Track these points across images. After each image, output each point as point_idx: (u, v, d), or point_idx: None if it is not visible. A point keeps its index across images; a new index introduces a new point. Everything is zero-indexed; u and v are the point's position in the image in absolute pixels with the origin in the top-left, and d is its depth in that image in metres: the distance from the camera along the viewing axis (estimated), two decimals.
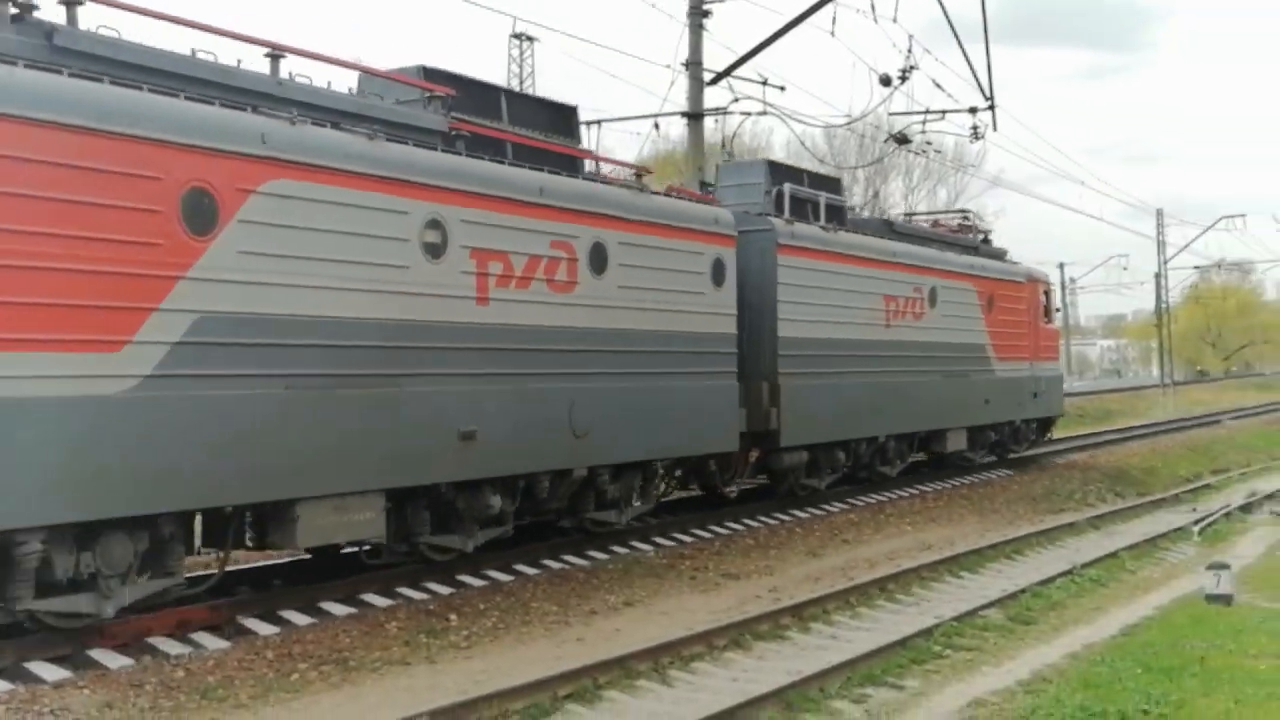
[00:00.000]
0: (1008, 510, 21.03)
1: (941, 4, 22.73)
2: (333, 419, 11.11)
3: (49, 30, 9.74)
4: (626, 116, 21.35)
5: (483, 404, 12.67)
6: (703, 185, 19.83)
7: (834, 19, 23.16)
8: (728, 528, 17.17)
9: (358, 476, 11.38)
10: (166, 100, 10.02)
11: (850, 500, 20.18)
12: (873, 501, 20.44)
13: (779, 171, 19.97)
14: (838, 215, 20.37)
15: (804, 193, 19.66)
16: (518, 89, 38.53)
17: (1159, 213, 67.09)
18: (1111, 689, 9.52)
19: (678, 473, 17.21)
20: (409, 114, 12.68)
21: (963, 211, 27.99)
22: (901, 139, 27.53)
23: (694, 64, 23.65)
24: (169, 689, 9.22)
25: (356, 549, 12.81)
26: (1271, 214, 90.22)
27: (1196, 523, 19.81)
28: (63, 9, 10.02)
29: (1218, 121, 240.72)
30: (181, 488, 9.94)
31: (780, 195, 18.98)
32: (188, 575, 11.00)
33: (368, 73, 13.15)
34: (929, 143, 28.04)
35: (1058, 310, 31.43)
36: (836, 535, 17.38)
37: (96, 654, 9.82)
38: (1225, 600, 13.00)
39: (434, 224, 12.18)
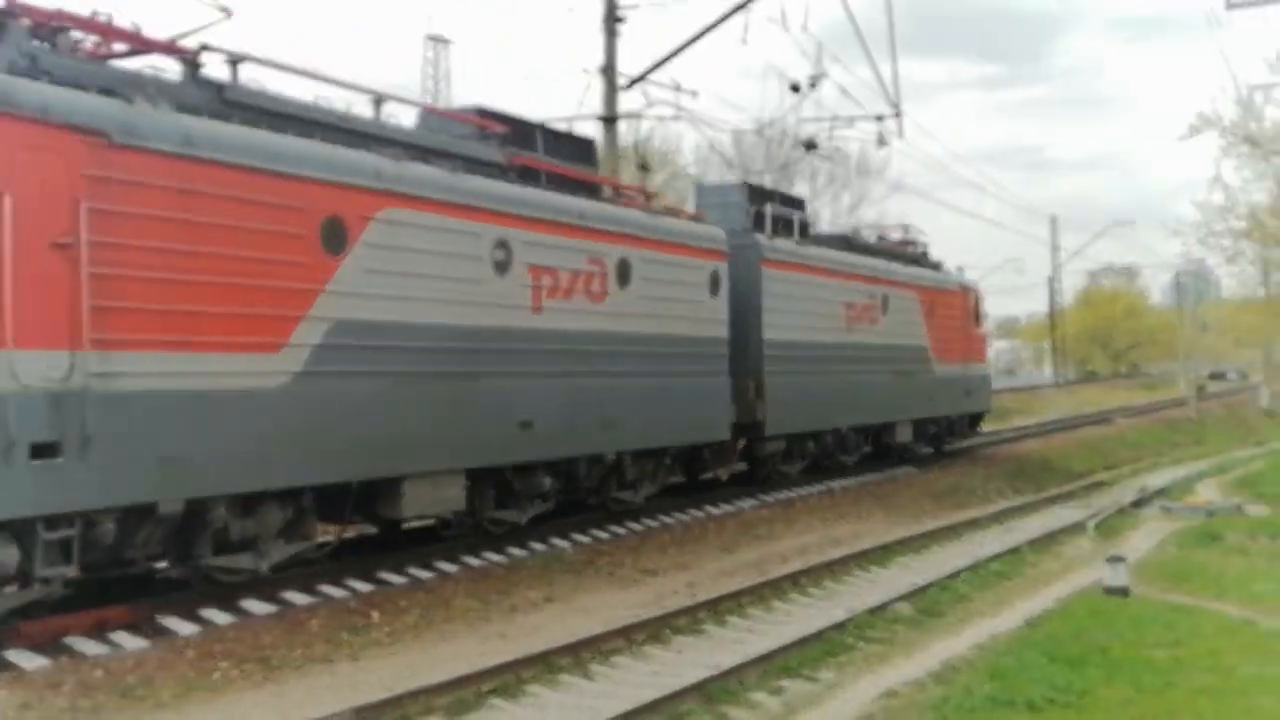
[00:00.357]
0: (913, 506, 21.51)
1: (850, 14, 23.10)
2: (429, 409, 13.25)
3: (219, 86, 11.87)
4: (543, 120, 21.36)
5: (537, 398, 14.83)
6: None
7: (746, 27, 23.59)
8: (644, 524, 17.35)
9: (447, 458, 13.57)
10: (308, 143, 12.08)
11: (760, 497, 20.48)
12: (782, 498, 20.76)
13: (755, 192, 22.31)
14: (805, 231, 22.64)
15: (781, 211, 21.85)
16: (433, 91, 38.50)
17: (1053, 218, 68.80)
18: (1018, 679, 9.86)
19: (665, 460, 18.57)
20: (478, 149, 14.90)
21: (904, 226, 29.87)
22: (810, 145, 27.96)
23: (609, 69, 23.82)
24: (87, 689, 9.15)
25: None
26: (1159, 220, 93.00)
27: (1091, 518, 20.44)
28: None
29: (1113, 130, 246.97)
30: (322, 466, 12.02)
31: (760, 215, 21.12)
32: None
33: (430, 111, 15.76)
34: (837, 148, 28.52)
35: (985, 316, 33.82)
36: (749, 531, 17.66)
37: (12, 655, 9.71)
38: (1122, 592, 13.48)
39: (501, 244, 14.34)
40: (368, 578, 13.02)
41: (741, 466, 21.57)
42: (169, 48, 11.73)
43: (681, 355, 17.80)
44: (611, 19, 23.40)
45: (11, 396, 9.24)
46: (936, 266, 29.52)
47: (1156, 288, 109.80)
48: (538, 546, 15.32)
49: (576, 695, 9.50)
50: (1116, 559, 14.03)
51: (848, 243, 25.50)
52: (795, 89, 24.28)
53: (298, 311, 11.73)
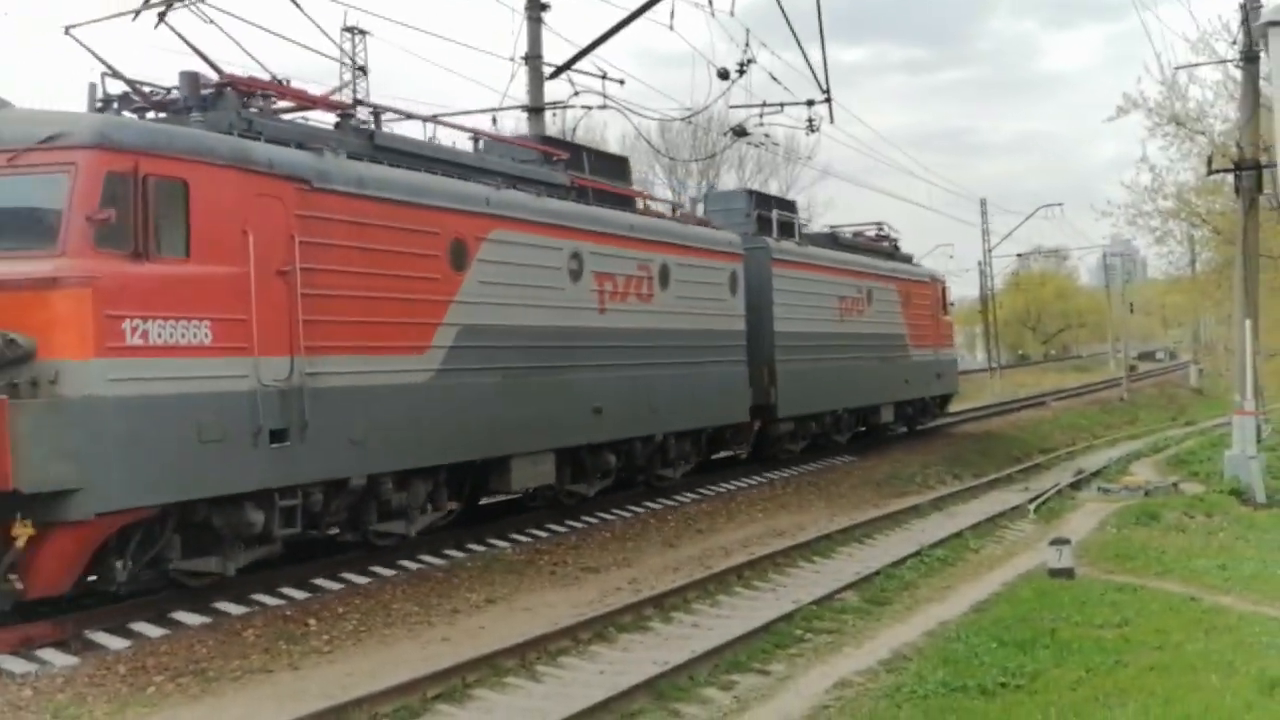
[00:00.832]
0: (853, 495, 21.51)
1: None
2: (528, 399, 15.55)
3: (370, 133, 14.39)
4: (465, 111, 21.15)
5: (605, 387, 17.20)
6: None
7: (673, 13, 23.24)
8: (584, 522, 17.17)
9: (542, 440, 15.96)
10: (436, 178, 14.52)
11: (701, 490, 20.39)
12: (723, 491, 20.68)
13: (757, 198, 24.93)
14: (798, 232, 25.54)
15: (784, 216, 24.68)
16: (351, 84, 38.11)
17: (983, 201, 69.44)
18: (969, 664, 9.82)
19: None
20: (549, 174, 17.27)
21: (878, 223, 32.10)
22: (740, 131, 27.87)
23: (534, 58, 23.53)
24: (16, 709, 8.83)
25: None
26: (1088, 201, 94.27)
27: (1031, 501, 20.57)
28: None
29: (1041, 112, 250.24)
30: (456, 448, 14.47)
31: (765, 219, 23.70)
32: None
33: (495, 139, 18.04)
34: (767, 135, 28.47)
35: (952, 304, 36.89)
36: (691, 525, 17.54)
37: None
38: (1067, 574, 13.51)
39: (574, 255, 16.74)
40: (302, 585, 12.73)
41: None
42: (329, 103, 14.53)
43: (710, 347, 20.27)
44: (536, 6, 23.11)
45: (259, 393, 11.60)
46: (908, 259, 32.32)
47: (1085, 269, 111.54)
48: (476, 548, 15.11)
49: (524, 697, 9.31)
50: (1060, 541, 14.05)
51: (835, 240, 28.02)
52: (724, 76, 24.11)
53: (435, 319, 14.16)
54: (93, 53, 12.65)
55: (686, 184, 60.88)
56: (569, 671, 10.05)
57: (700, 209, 25.57)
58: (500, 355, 15.10)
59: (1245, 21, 24.68)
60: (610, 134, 69.27)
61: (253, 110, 12.90)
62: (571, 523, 16.99)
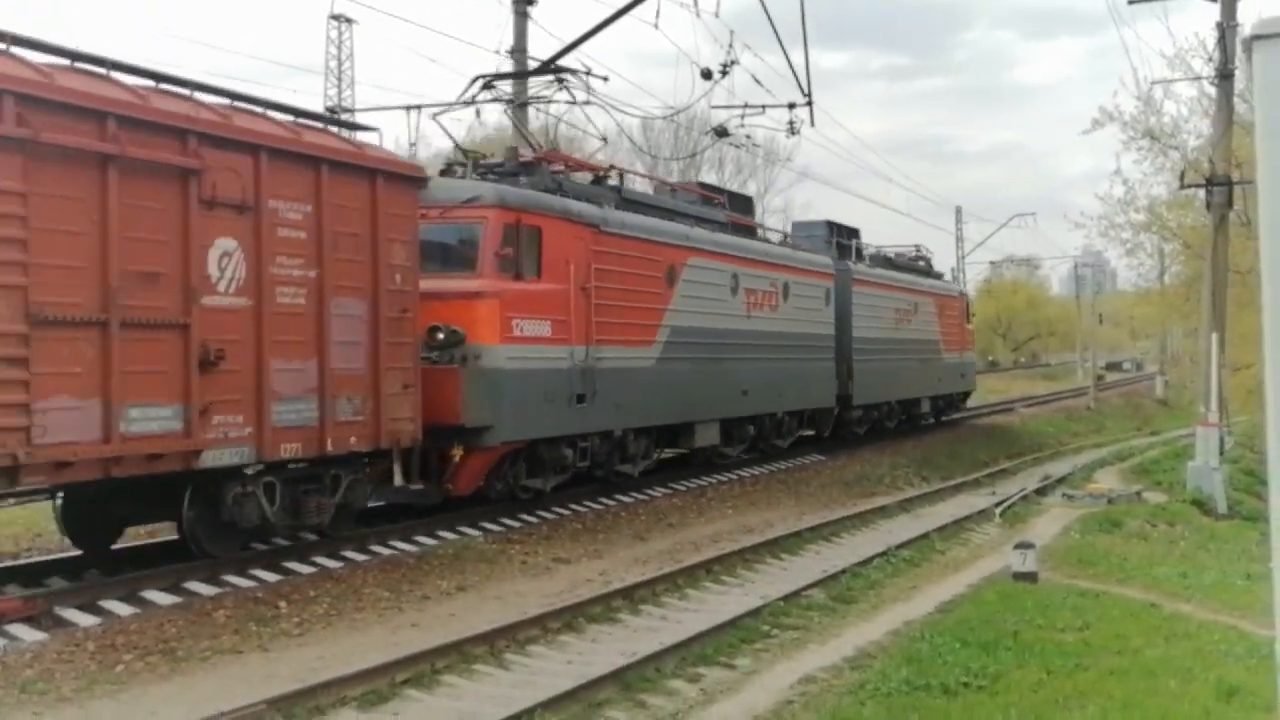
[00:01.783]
0: (822, 494, 21.66)
1: (762, 2, 23.12)
2: (705, 381, 20.86)
3: (617, 187, 20.07)
4: (449, 103, 21.14)
5: (749, 374, 22.67)
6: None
7: (658, 12, 23.35)
8: (555, 513, 17.23)
9: (713, 412, 21.47)
10: (660, 221, 20.12)
11: (672, 485, 20.49)
12: (694, 486, 20.79)
13: (833, 227, 29.89)
14: (866, 255, 31.04)
15: (857, 243, 30.24)
16: (337, 71, 38.04)
17: (958, 209, 69.85)
18: (933, 663, 9.94)
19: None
20: (713, 213, 22.93)
21: (917, 245, 37.03)
22: (721, 132, 27.98)
23: (518, 51, 23.59)
24: None
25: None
26: (1061, 212, 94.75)
27: (997, 505, 20.76)
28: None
29: (1017, 122, 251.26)
30: (666, 413, 19.96)
31: (841, 245, 29.17)
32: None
33: (664, 184, 24.73)
34: (748, 136, 28.62)
35: (973, 315, 43.73)
36: (661, 519, 17.63)
37: None
38: (1031, 578, 13.67)
39: (734, 276, 22.24)
40: (274, 568, 12.76)
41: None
42: (590, 166, 20.84)
43: (813, 347, 25.82)
44: (523, 1, 23.14)
45: (572, 370, 17.03)
46: (939, 276, 38.25)
47: (1056, 279, 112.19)
48: (448, 535, 15.15)
49: (493, 685, 9.38)
50: (1025, 545, 14.21)
51: (890, 261, 33.59)
52: (706, 76, 24.23)
53: (657, 322, 19.59)
54: (449, 136, 20.13)
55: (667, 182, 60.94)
56: (537, 660, 10.12)
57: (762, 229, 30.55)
58: (691, 349, 20.44)
59: (1221, 40, 24.96)
60: (592, 130, 69.33)
61: (557, 173, 18.51)
62: (543, 513, 17.06)
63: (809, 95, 24.94)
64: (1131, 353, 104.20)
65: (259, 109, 12.87)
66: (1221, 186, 24.88)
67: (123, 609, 10.91)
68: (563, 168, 19.13)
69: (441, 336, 15.10)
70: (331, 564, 13.21)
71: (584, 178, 19.87)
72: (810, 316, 25.64)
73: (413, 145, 26.40)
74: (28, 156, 9.86)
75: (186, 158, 11.26)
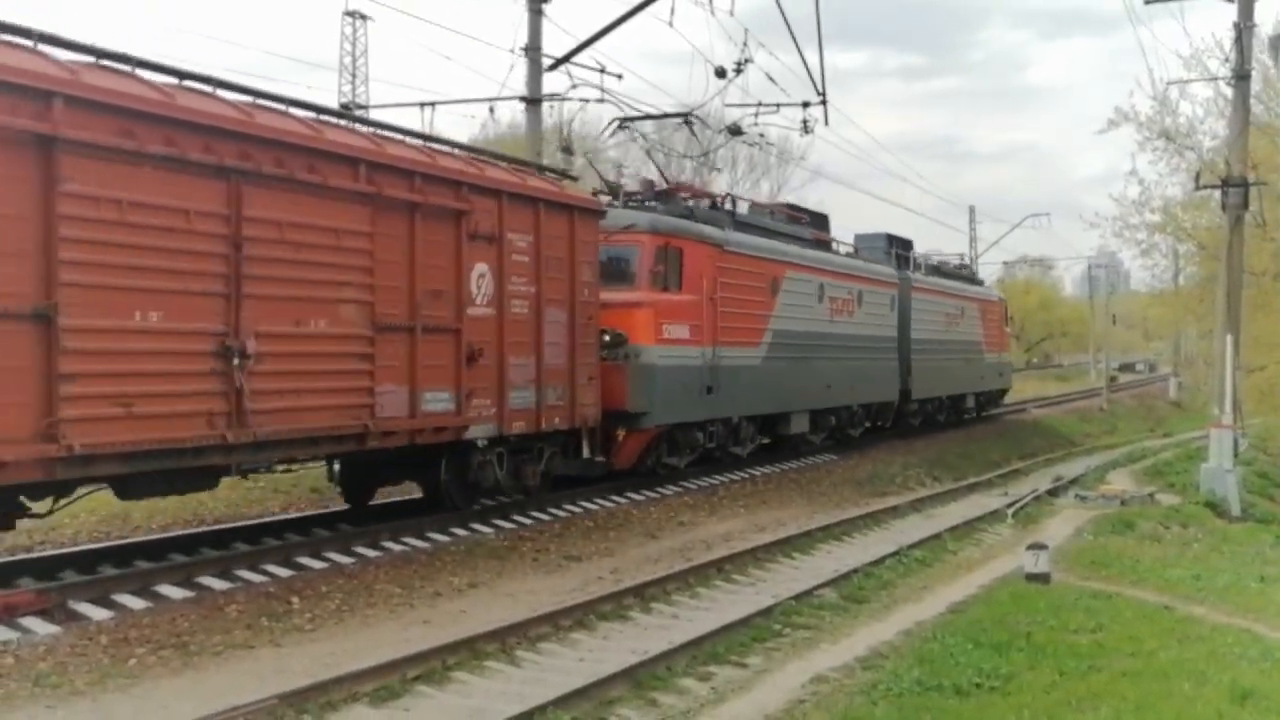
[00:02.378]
0: (834, 493, 21.62)
1: (778, 1, 23.07)
2: (797, 376, 24.01)
3: (731, 212, 23.25)
4: (464, 100, 21.23)
5: (831, 371, 25.73)
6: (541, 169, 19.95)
7: (672, 9, 23.27)
8: (566, 510, 17.23)
9: (804, 403, 24.75)
10: (765, 240, 23.42)
11: (684, 484, 20.48)
12: (706, 485, 20.77)
13: (892, 239, 33.04)
14: (921, 264, 34.81)
15: (911, 254, 33.72)
16: (351, 69, 38.16)
17: (971, 209, 69.66)
18: (945, 664, 9.92)
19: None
20: (801, 231, 26.16)
21: (960, 254, 42.74)
22: (735, 130, 27.94)
23: (533, 49, 23.56)
24: None
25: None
26: (1075, 213, 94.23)
27: (1009, 506, 20.70)
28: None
29: (1032, 123, 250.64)
30: (770, 403, 23.19)
31: (900, 256, 32.47)
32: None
33: (758, 205, 27.07)
34: (761, 135, 28.59)
35: (1011, 318, 47.46)
36: (673, 518, 17.61)
37: None
38: (1044, 579, 13.64)
39: (820, 286, 25.45)
40: (286, 563, 12.78)
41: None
42: (708, 194, 24.17)
43: (881, 348, 29.03)
44: None
45: (704, 366, 20.31)
46: (981, 283, 42.93)
47: (1070, 280, 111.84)
48: (460, 532, 15.16)
49: (503, 682, 9.38)
50: (1038, 546, 14.17)
51: (938, 270, 36.87)
52: (721, 74, 24.19)
53: (763, 326, 22.85)
54: (594, 167, 26.01)
55: (681, 180, 60.87)
56: (549, 658, 10.12)
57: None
58: (788, 350, 23.58)
59: (1238, 40, 24.84)
60: (605, 129, 69.25)
61: (685, 200, 21.90)
62: (554, 511, 17.06)
63: (823, 94, 24.90)
64: (1145, 354, 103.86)
65: (497, 160, 17.12)
66: (1237, 188, 24.74)
67: (136, 603, 10.94)
68: (689, 196, 22.71)
69: (609, 338, 18.33)
70: (343, 559, 13.23)
71: (691, 200, 22.74)
72: (879, 321, 28.99)
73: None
74: (374, 207, 13.30)
75: (460, 203, 14.78)
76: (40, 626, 10.06)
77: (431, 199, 14.21)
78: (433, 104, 24.46)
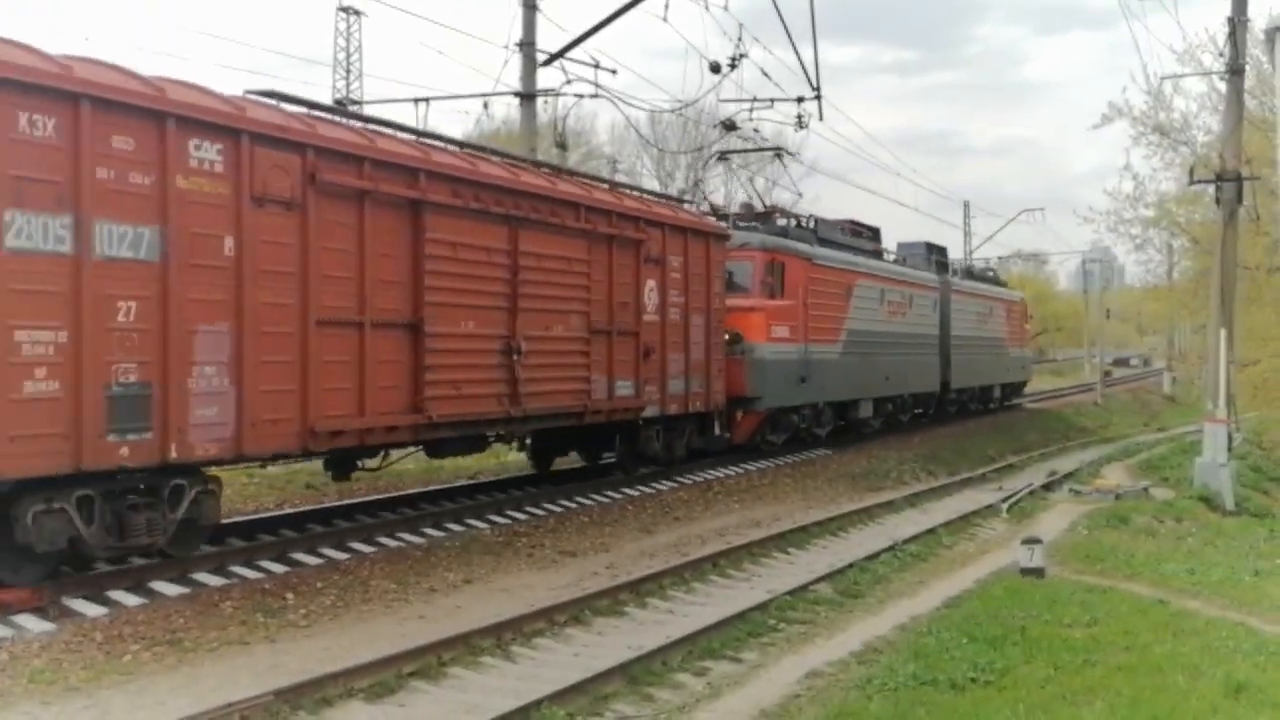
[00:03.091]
0: (829, 488, 21.61)
1: None
2: (864, 370, 27.92)
3: (814, 230, 26.91)
4: (458, 95, 21.23)
5: (889, 364, 29.60)
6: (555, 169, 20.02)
7: (667, 4, 23.26)
8: (561, 505, 17.23)
9: (868, 392, 28.55)
10: (840, 253, 27.49)
11: (679, 479, 20.48)
12: (700, 480, 20.78)
13: (931, 247, 37.13)
14: (959, 269, 40.54)
15: (947, 260, 38.46)
16: (345, 64, 38.13)
17: (966, 204, 69.74)
18: (940, 658, 9.93)
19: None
20: (862, 243, 29.97)
21: (986, 260, 48.07)
22: (730, 125, 27.94)
23: (527, 44, 23.57)
24: None
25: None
26: (1069, 207, 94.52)
27: (1004, 500, 20.73)
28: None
29: (1026, 117, 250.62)
30: (844, 392, 27.18)
31: (939, 262, 36.79)
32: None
33: (825, 221, 28.61)
34: (756, 130, 28.65)
35: (1031, 318, 52.15)
36: (668, 513, 17.61)
37: None
38: (1038, 573, 13.66)
39: (881, 291, 29.47)
40: (281, 559, 12.78)
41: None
42: (795, 215, 27.37)
43: (926, 344, 33.26)
44: None
45: (800, 360, 24.32)
46: (1005, 284, 48.20)
47: (1064, 274, 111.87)
48: (455, 527, 15.16)
49: (499, 677, 9.38)
50: (1033, 541, 14.19)
51: (970, 273, 42.72)
52: (715, 69, 24.19)
53: (840, 326, 26.75)
54: (709, 203, 29.78)
55: (674, 175, 60.90)
56: (544, 653, 10.12)
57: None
58: (858, 346, 27.59)
59: (1232, 35, 24.84)
60: (600, 123, 69.17)
61: (779, 220, 26.01)
62: (549, 506, 17.07)
63: (817, 89, 24.95)
64: (1139, 348, 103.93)
65: (659, 197, 22.93)
66: (1231, 182, 24.75)
67: (130, 599, 10.92)
68: (781, 216, 26.74)
69: (729, 337, 22.06)
70: (338, 555, 13.22)
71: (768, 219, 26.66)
72: (925, 320, 33.26)
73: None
74: (588, 240, 17.49)
75: (638, 234, 18.85)
76: (34, 624, 10.04)
77: (623, 232, 18.41)
78: (427, 100, 24.48)
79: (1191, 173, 27.24)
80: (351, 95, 39.36)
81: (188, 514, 11.65)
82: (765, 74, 26.18)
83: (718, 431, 22.07)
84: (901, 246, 36.14)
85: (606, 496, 18.31)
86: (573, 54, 23.41)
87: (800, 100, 25.48)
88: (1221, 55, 25.73)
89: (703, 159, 58.17)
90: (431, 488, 18.13)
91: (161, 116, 10.92)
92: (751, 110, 26.27)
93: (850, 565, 13.97)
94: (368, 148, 13.51)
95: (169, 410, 10.96)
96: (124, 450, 10.62)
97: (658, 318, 19.45)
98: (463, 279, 14.82)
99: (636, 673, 9.39)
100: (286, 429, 12.28)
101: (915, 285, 32.68)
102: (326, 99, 40.10)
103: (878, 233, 32.11)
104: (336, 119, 14.49)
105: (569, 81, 23.71)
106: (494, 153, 17.38)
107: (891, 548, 15.28)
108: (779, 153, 30.21)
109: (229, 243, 11.62)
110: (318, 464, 16.46)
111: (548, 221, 16.42)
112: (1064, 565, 14.80)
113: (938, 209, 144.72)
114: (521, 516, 16.30)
